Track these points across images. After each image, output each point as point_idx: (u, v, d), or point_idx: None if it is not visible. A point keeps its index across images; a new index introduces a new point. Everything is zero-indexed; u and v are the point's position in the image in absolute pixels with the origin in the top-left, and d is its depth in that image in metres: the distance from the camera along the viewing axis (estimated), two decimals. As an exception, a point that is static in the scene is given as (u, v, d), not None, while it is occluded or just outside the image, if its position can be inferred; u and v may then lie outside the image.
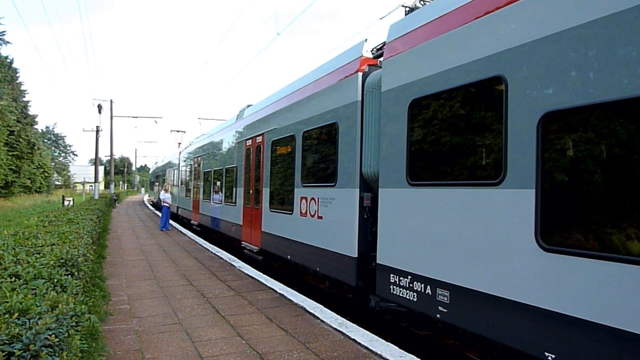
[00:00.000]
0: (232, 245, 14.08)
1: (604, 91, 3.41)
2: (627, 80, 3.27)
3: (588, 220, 3.52)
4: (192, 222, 20.46)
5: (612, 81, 3.37)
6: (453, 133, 4.90)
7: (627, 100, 3.26)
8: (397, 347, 4.96)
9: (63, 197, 30.75)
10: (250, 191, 11.80)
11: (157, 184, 39.38)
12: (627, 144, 3.30)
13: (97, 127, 36.06)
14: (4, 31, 35.37)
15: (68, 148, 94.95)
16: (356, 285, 6.68)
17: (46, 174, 62.73)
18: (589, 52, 3.54)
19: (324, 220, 7.57)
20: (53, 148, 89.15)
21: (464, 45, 4.77)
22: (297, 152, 8.76)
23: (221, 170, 15.28)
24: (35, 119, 57.36)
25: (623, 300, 3.22)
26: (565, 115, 3.72)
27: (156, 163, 48.38)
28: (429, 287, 5.07)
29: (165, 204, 18.75)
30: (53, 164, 74.67)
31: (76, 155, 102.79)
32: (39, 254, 5.23)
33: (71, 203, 26.95)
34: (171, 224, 19.83)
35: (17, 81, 50.71)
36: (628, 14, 3.29)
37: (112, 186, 41.41)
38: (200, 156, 19.07)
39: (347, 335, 5.41)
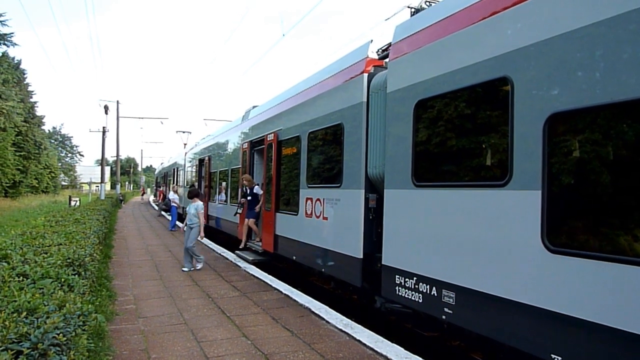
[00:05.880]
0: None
1: (611, 92, 3.39)
2: (635, 81, 3.25)
3: (594, 221, 3.51)
4: None
5: (619, 82, 3.35)
6: (458, 134, 4.89)
7: (634, 101, 3.24)
8: (402, 349, 4.96)
9: (70, 197, 30.91)
10: None
11: (164, 184, 39.52)
12: (634, 146, 3.28)
13: (104, 127, 36.30)
14: (12, 33, 35.56)
15: (75, 148, 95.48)
16: (361, 286, 6.67)
17: (53, 174, 63.15)
18: (596, 53, 3.53)
19: (330, 221, 7.58)
20: (60, 148, 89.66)
21: (470, 46, 4.76)
22: (302, 153, 8.77)
23: (226, 171, 15.31)
24: (43, 120, 57.93)
25: (629, 302, 3.20)
26: (571, 116, 3.70)
27: (162, 164, 48.58)
28: (434, 288, 5.05)
29: (173, 204, 18.87)
30: (60, 164, 75.15)
31: (83, 155, 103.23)
32: (46, 253, 5.27)
33: (78, 203, 27.10)
34: (177, 225, 19.91)
35: (25, 82, 51.14)
36: (636, 14, 3.28)
37: (118, 186, 41.61)
38: (205, 157, 19.12)
39: (353, 336, 5.41)
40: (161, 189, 41.84)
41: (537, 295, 3.86)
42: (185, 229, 10.26)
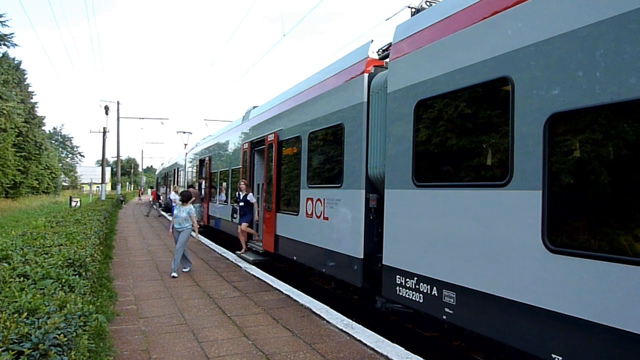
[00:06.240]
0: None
1: (612, 92, 3.39)
2: (635, 81, 3.25)
3: (595, 221, 3.51)
4: None
5: (619, 82, 3.35)
6: (459, 134, 4.89)
7: (634, 101, 3.24)
8: (403, 349, 4.96)
9: (70, 198, 30.90)
10: None
11: (164, 184, 39.57)
12: (635, 145, 3.28)
13: (104, 128, 36.32)
14: (12, 33, 35.49)
15: (75, 149, 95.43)
16: (362, 287, 6.67)
17: (53, 175, 63.18)
18: (596, 53, 3.53)
19: (330, 221, 7.58)
20: (60, 149, 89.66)
21: (470, 46, 4.76)
22: (302, 153, 8.77)
23: (227, 171, 15.32)
24: (43, 120, 57.87)
25: (630, 301, 3.20)
26: (572, 116, 3.70)
27: (162, 164, 48.60)
28: (435, 288, 5.06)
29: (174, 204, 18.92)
30: (60, 165, 75.17)
31: (83, 156, 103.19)
32: (47, 254, 5.27)
33: (78, 204, 27.10)
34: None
35: (25, 83, 51.15)
36: (636, 14, 3.28)
37: (119, 187, 41.63)
38: (206, 157, 19.13)
39: (353, 336, 5.41)
40: (154, 189, 42.07)
41: (538, 295, 3.86)
42: (173, 232, 9.57)
